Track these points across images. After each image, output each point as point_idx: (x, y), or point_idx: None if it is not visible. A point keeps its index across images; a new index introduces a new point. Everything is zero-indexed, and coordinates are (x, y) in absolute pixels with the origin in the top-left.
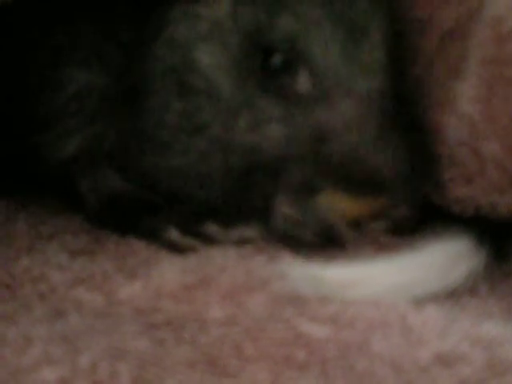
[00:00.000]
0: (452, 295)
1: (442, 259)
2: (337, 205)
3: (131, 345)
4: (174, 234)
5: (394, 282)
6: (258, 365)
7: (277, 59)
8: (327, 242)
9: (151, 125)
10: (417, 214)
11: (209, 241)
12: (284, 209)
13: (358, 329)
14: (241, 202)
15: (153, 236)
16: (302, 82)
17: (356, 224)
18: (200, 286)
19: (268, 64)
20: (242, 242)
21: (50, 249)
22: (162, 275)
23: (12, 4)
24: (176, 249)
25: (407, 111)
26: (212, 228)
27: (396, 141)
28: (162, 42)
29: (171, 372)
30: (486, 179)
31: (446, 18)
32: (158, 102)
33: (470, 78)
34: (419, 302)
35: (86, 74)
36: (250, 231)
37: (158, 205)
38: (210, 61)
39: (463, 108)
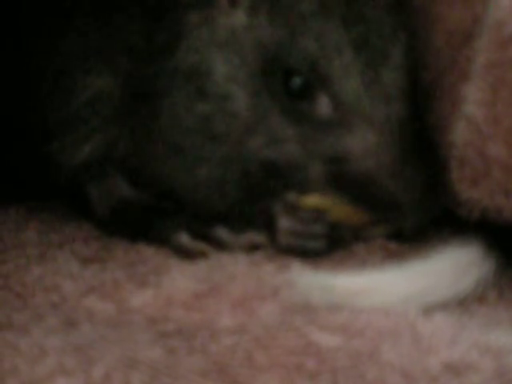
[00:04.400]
0: (461, 303)
1: (452, 267)
2: (325, 208)
3: (143, 354)
4: (184, 238)
5: (403, 290)
6: (270, 373)
7: (297, 82)
8: (333, 247)
9: (171, 129)
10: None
11: (218, 245)
12: (286, 224)
13: (368, 337)
14: (249, 208)
15: (163, 240)
16: (322, 107)
17: (353, 228)
18: (211, 294)
19: (288, 86)
20: (251, 247)
21: (61, 257)
22: (173, 283)
23: (24, 12)
24: (186, 253)
25: (420, 117)
26: (222, 232)
27: (412, 167)
28: (182, 46)
29: (183, 381)
30: (491, 181)
31: (451, 21)
32: (177, 105)
33: (475, 81)
34: (429, 310)
35: (98, 80)
36: (259, 237)
37: (168, 209)
38: (226, 71)
39: (469, 110)
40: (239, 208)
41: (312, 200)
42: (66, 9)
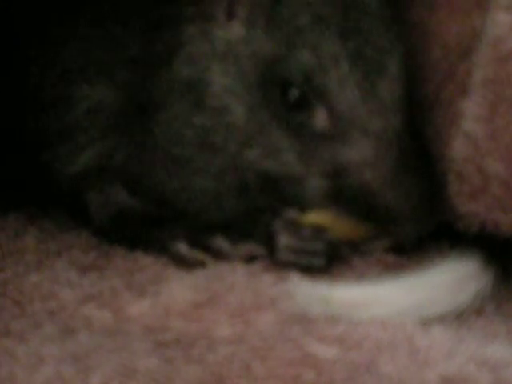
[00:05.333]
0: (458, 315)
1: (450, 280)
2: (325, 225)
3: (141, 363)
4: (182, 247)
5: (401, 302)
6: None
7: (293, 94)
8: (332, 262)
9: (169, 141)
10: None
11: (217, 255)
12: (285, 241)
13: (365, 349)
14: (248, 220)
15: (161, 249)
16: (319, 119)
17: (354, 244)
18: (209, 304)
19: (285, 98)
20: (249, 258)
21: (59, 265)
22: (171, 293)
23: (25, 23)
24: (184, 262)
25: (417, 132)
26: (220, 242)
27: (410, 179)
28: (180, 58)
29: None
30: (489, 196)
31: (450, 36)
32: (175, 117)
33: (474, 97)
34: (426, 322)
35: (97, 90)
36: (257, 247)
37: (167, 218)
38: (224, 83)
39: (468, 126)
40: (238, 220)
41: (312, 217)
42: (68, 19)
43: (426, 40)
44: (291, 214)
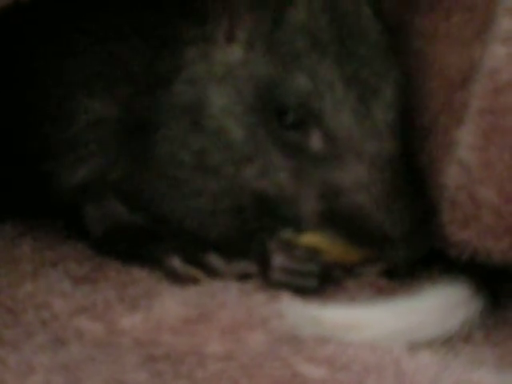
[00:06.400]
0: (447, 341)
1: (439, 306)
2: (319, 247)
3: (130, 376)
4: (176, 263)
5: (390, 326)
6: None
7: (289, 117)
8: (325, 284)
9: (166, 161)
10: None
11: (210, 272)
12: (279, 261)
13: (353, 371)
14: (243, 239)
15: (155, 263)
16: (314, 141)
17: (347, 267)
18: (200, 320)
19: (281, 120)
20: (242, 276)
21: (54, 275)
22: (163, 308)
23: (28, 36)
24: (177, 278)
25: (411, 158)
26: (214, 259)
27: (403, 203)
28: (180, 80)
29: None
30: (481, 224)
31: (449, 65)
32: (172, 138)
33: (469, 126)
34: (414, 347)
35: (99, 105)
36: (250, 266)
37: (162, 233)
38: (222, 105)
39: (462, 154)
40: (233, 239)
41: (307, 239)
42: (73, 33)
43: (425, 69)
44: (286, 234)
